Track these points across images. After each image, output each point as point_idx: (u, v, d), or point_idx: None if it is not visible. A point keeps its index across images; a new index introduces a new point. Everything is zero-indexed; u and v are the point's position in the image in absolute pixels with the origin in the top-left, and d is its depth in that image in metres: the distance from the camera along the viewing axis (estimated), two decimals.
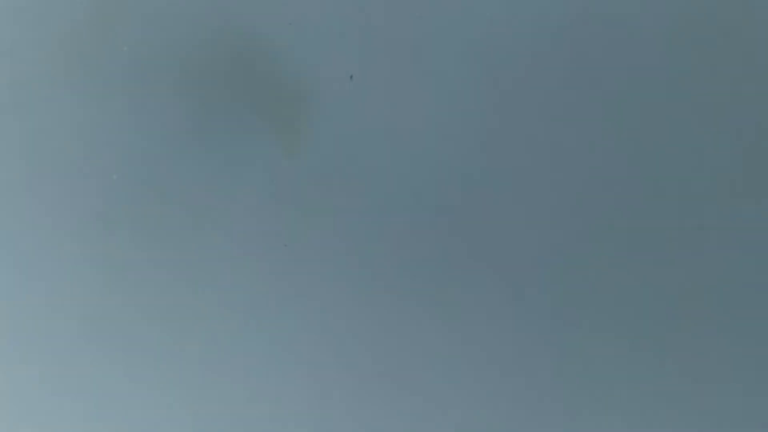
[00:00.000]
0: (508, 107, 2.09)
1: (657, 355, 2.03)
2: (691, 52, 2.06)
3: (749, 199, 2.03)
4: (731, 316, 2.02)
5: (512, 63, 2.09)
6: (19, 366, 2.16)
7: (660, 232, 2.04)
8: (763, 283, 2.02)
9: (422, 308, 2.09)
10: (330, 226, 2.11)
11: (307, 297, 2.11)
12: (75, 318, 2.15)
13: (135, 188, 2.13)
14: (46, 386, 2.15)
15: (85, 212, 2.13)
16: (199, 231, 2.13)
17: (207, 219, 2.13)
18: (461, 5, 2.10)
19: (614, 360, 2.04)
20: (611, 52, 2.07)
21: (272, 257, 2.12)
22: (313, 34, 2.10)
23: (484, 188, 2.08)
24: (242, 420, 2.12)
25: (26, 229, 2.15)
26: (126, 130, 2.13)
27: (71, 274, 2.14)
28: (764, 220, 2.02)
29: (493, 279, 2.07)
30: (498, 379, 2.06)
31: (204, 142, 2.11)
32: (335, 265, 2.11)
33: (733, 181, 2.03)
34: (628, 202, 2.05)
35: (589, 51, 2.07)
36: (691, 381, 2.02)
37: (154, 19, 2.11)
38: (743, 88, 2.04)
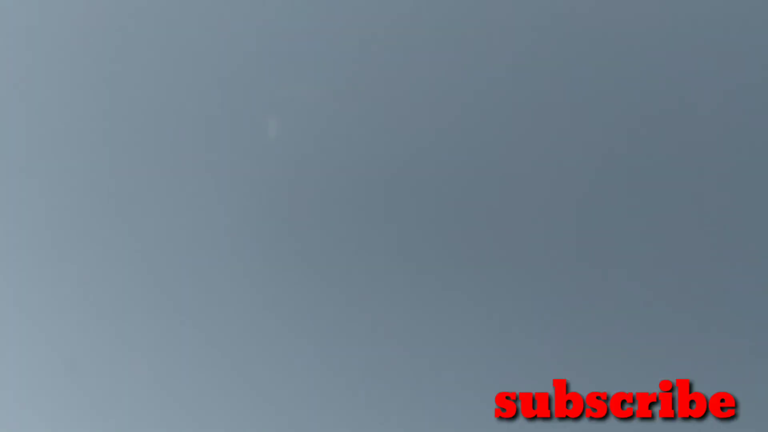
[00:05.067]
0: (507, 107, 2.09)
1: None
2: (690, 53, 2.06)
3: (749, 199, 2.03)
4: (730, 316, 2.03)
5: (511, 63, 2.09)
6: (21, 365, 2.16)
7: (660, 232, 2.05)
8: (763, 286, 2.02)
9: (419, 308, 2.09)
10: (329, 225, 2.11)
11: (303, 296, 2.12)
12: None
13: None
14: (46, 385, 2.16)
15: None
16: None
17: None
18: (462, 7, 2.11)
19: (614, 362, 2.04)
20: (611, 53, 2.07)
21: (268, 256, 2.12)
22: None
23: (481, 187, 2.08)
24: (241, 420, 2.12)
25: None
26: None
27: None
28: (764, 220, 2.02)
29: (491, 279, 2.07)
30: (495, 378, 2.07)
31: None
32: (333, 264, 2.11)
33: (733, 180, 2.04)
34: (626, 203, 2.05)
35: (587, 51, 2.08)
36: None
37: None
38: (743, 89, 2.05)
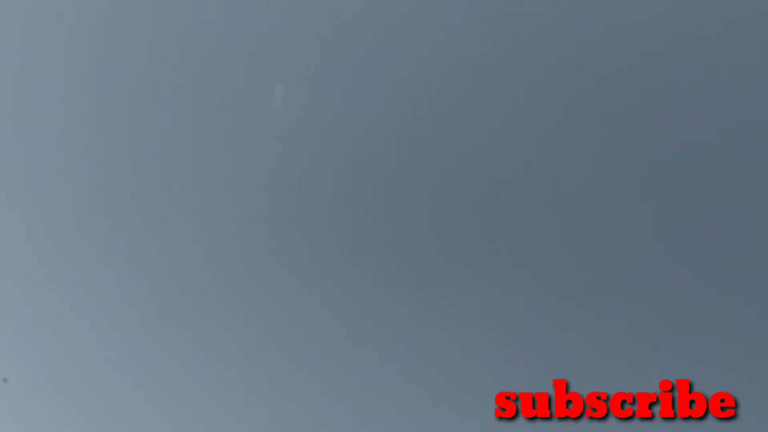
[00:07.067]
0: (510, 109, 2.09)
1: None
2: (690, 54, 2.06)
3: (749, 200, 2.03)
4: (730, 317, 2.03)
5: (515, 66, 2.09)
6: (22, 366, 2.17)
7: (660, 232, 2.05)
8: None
9: (419, 307, 2.09)
10: (330, 226, 2.12)
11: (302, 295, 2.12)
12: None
13: None
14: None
15: None
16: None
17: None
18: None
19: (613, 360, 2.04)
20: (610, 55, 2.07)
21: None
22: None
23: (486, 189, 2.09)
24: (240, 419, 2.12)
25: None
26: None
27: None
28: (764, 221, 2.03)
29: (490, 278, 2.07)
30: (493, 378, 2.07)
31: None
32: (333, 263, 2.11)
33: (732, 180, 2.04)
34: (626, 202, 2.06)
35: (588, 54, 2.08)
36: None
37: None
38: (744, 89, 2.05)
